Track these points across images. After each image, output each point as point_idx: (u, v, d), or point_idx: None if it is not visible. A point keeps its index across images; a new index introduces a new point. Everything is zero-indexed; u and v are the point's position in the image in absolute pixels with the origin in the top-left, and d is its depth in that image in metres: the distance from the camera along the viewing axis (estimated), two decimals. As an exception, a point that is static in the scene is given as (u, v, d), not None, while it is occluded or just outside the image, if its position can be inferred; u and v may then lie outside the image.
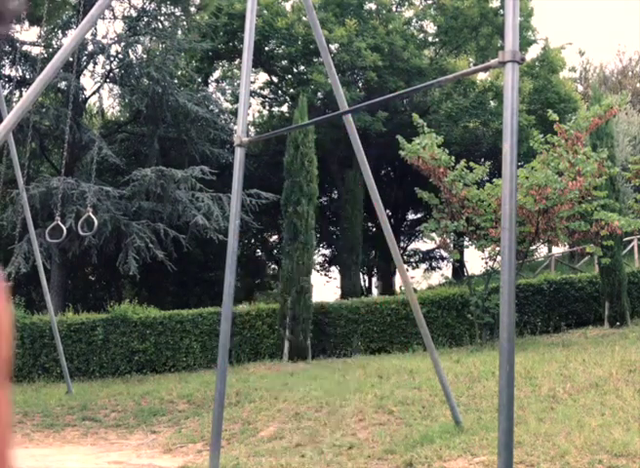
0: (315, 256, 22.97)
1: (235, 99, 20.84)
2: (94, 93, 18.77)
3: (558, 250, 22.47)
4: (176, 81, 18.75)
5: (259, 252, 25.94)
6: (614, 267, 12.03)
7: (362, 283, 24.19)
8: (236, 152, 4.35)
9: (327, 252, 27.74)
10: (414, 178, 17.88)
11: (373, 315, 13.01)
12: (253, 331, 13.00)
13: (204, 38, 19.61)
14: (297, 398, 7.76)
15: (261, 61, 20.62)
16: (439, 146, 11.20)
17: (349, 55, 19.28)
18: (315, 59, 19.62)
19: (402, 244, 26.65)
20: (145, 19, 18.19)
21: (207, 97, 19.74)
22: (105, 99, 41.87)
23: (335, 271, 26.76)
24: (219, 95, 22.42)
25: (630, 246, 17.24)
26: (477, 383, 7.62)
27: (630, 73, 30.97)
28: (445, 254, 26.52)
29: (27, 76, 16.90)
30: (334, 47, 19.58)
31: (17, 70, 17.25)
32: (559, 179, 10.59)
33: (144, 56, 17.96)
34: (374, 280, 28.06)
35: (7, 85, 16.94)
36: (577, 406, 6.07)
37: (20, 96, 16.57)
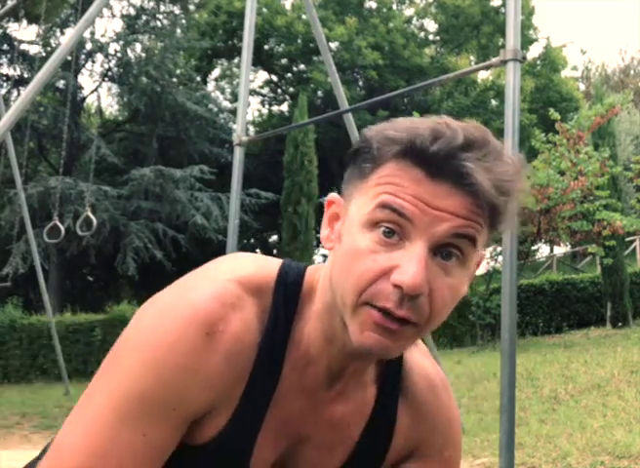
0: (315, 256, 22.95)
1: (234, 98, 20.81)
2: (92, 92, 18.76)
3: (560, 250, 22.44)
4: (174, 80, 18.71)
5: (258, 252, 25.92)
6: (616, 267, 11.98)
7: (362, 282, 24.12)
8: (235, 151, 4.30)
9: (327, 252, 27.72)
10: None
11: (373, 315, 12.97)
12: (252, 332, 12.95)
13: (203, 36, 19.59)
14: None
15: (261, 60, 20.58)
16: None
17: (349, 53, 19.25)
18: (315, 58, 19.59)
19: (402, 243, 26.60)
20: (144, 18, 18.16)
21: (206, 95, 19.72)
22: (104, 98, 41.97)
23: (335, 271, 26.72)
24: (218, 93, 22.42)
25: (633, 246, 17.21)
26: (478, 384, 7.58)
27: (632, 72, 30.96)
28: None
29: (25, 75, 16.86)
30: (334, 45, 19.54)
31: (14, 69, 17.23)
32: (561, 179, 10.54)
33: (143, 54, 17.92)
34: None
35: (5, 84, 16.92)
36: (578, 407, 6.03)
37: (18, 95, 16.53)
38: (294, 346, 0.75)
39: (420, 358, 0.86)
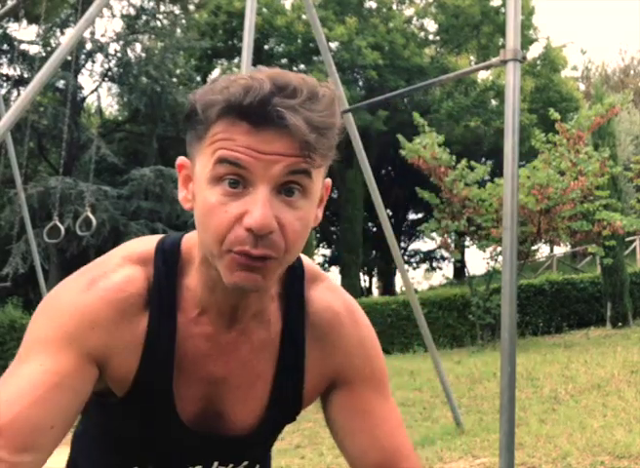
0: (315, 256, 22.93)
1: (235, 99, 20.77)
2: (92, 92, 18.74)
3: (560, 250, 22.45)
4: (174, 80, 18.70)
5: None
6: (616, 267, 11.98)
7: (362, 283, 24.16)
8: (234, 151, 4.30)
9: (327, 252, 27.69)
10: (414, 178, 17.88)
11: (373, 316, 12.97)
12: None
13: (203, 36, 19.59)
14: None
15: (261, 60, 20.58)
16: (440, 146, 11.14)
17: (349, 53, 19.25)
18: (315, 58, 19.59)
19: (403, 244, 26.62)
20: (144, 18, 18.15)
21: (206, 96, 19.67)
22: (104, 98, 42.02)
23: (335, 271, 26.74)
24: (218, 94, 22.35)
25: (633, 246, 17.20)
26: (478, 384, 7.58)
27: (632, 72, 30.97)
28: (446, 255, 26.49)
29: (25, 75, 16.86)
30: (334, 45, 19.54)
31: (14, 69, 17.20)
32: (561, 179, 10.54)
33: (143, 54, 17.91)
34: (374, 280, 28.03)
35: (5, 84, 16.91)
36: (578, 407, 6.03)
37: (18, 95, 16.52)
38: (183, 300, 0.84)
39: (323, 292, 0.92)
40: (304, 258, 0.93)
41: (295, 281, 0.90)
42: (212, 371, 0.86)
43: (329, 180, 0.83)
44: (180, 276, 0.85)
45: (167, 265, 0.84)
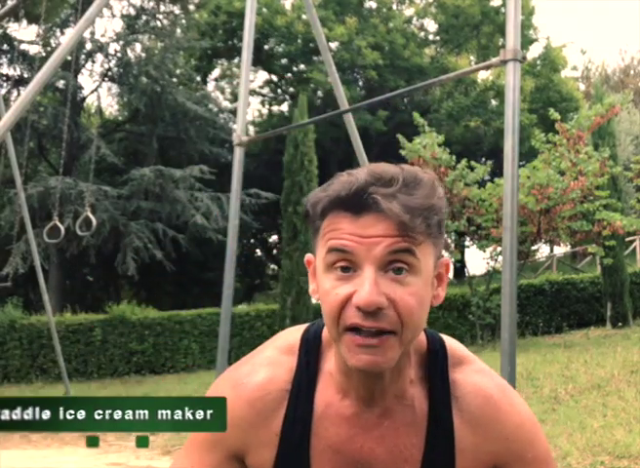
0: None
1: (234, 98, 20.80)
2: (92, 92, 18.76)
3: (560, 250, 22.44)
4: (174, 80, 18.71)
5: (258, 252, 25.87)
6: (616, 267, 11.96)
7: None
8: (235, 151, 4.31)
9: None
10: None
11: (373, 315, 12.95)
12: (252, 332, 12.96)
13: (203, 36, 19.60)
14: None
15: (261, 60, 20.57)
16: (440, 146, 11.14)
17: (349, 53, 19.24)
18: (315, 58, 19.58)
19: (402, 243, 26.57)
20: (144, 18, 18.16)
21: (206, 95, 19.73)
22: (104, 98, 41.90)
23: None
24: (218, 93, 22.42)
25: (633, 246, 17.19)
26: (478, 384, 7.57)
27: (632, 72, 30.99)
28: (446, 255, 26.46)
29: (25, 75, 16.86)
30: (334, 45, 19.54)
31: (14, 69, 17.24)
32: (561, 179, 10.54)
33: (143, 54, 17.92)
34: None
35: (5, 84, 16.92)
36: (578, 407, 6.03)
37: (18, 95, 16.52)
38: (323, 385, 0.90)
39: (470, 375, 0.91)
40: (448, 341, 0.93)
41: (437, 364, 0.90)
42: (356, 456, 0.88)
43: (447, 259, 0.87)
44: (322, 362, 0.91)
45: (308, 355, 0.91)
